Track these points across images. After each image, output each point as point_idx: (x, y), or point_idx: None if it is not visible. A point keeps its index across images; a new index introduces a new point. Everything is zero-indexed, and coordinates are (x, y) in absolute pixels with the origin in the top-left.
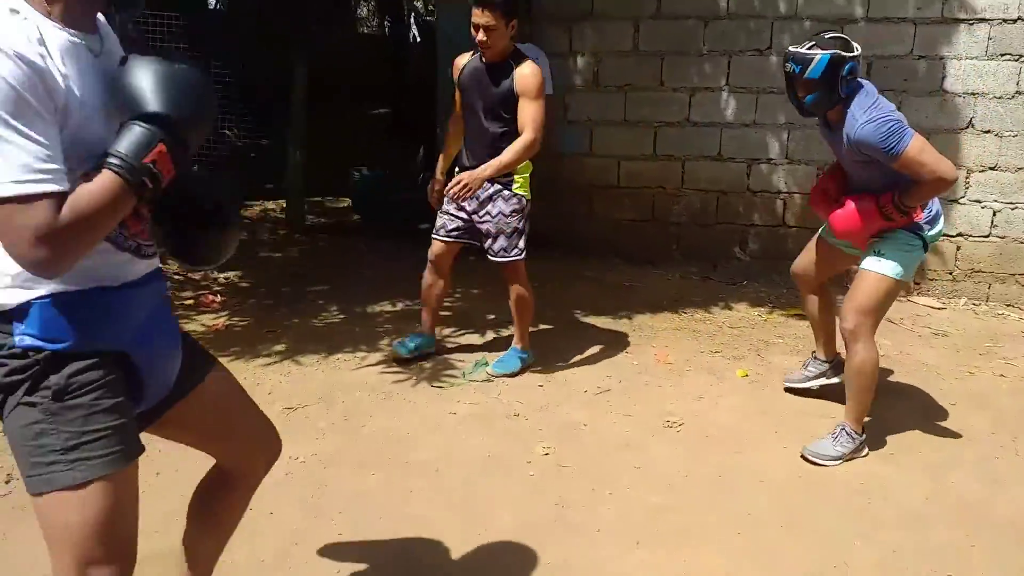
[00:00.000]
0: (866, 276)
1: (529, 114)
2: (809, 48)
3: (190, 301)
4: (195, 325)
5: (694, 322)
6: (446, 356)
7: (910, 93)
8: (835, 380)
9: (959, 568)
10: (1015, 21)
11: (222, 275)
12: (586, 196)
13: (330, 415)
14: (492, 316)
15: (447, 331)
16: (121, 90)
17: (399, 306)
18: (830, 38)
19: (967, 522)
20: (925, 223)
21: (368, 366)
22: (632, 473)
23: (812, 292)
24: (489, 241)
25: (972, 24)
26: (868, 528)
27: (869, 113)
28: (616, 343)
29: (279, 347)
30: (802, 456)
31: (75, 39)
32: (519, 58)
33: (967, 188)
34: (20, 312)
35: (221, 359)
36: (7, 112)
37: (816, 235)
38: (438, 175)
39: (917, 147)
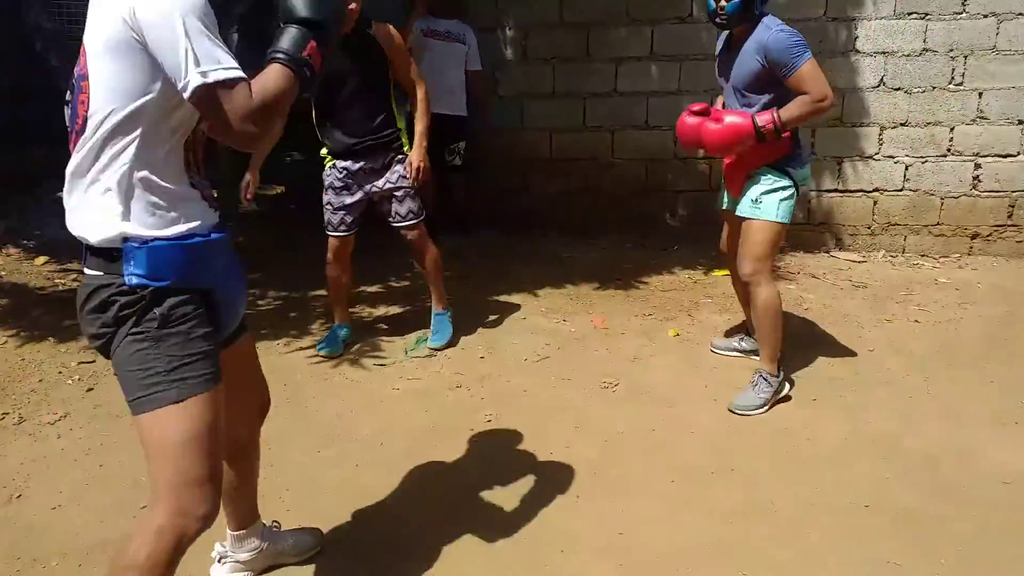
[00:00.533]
0: (750, 225)
1: (413, 68)
2: None
3: None
4: None
5: (628, 288)
6: (384, 337)
7: (824, 54)
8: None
9: (876, 497)
10: None
11: None
12: (519, 170)
13: (273, 398)
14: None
15: (382, 310)
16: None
17: None
18: None
19: (882, 456)
20: (793, 159)
21: (305, 349)
22: (571, 433)
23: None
24: (395, 206)
25: None
26: (793, 468)
27: (782, 26)
28: (554, 312)
29: None
30: (730, 410)
31: None
32: (364, 22)
33: (881, 144)
34: (129, 254)
35: None
36: (207, 20)
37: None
38: (253, 174)
39: (813, 64)
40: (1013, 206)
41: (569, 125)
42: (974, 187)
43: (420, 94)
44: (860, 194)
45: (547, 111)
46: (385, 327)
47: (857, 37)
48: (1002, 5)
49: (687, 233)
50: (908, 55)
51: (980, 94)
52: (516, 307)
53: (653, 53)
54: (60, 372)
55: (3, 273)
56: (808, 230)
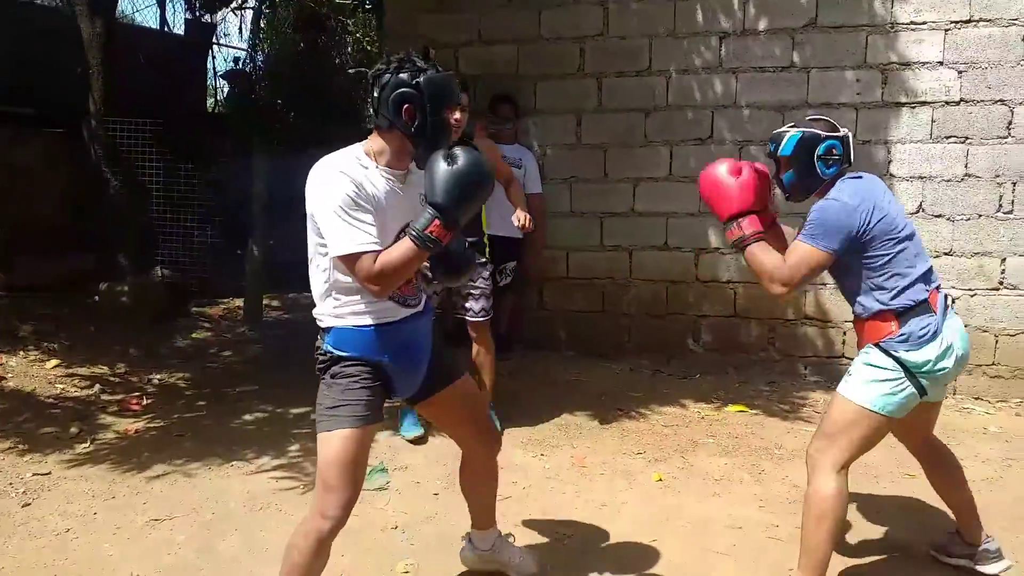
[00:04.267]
0: (834, 397)
1: (507, 169)
2: (787, 127)
3: (115, 405)
4: (108, 433)
5: (626, 420)
6: None
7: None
8: (981, 569)
9: None
10: (958, 103)
11: (157, 376)
12: (536, 287)
13: (191, 528)
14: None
15: None
16: (425, 180)
17: None
18: (810, 119)
19: None
20: (899, 342)
21: (264, 472)
22: None
23: (920, 455)
24: (471, 303)
25: (915, 107)
26: None
27: (838, 197)
28: (536, 444)
29: (179, 453)
30: None
31: (389, 177)
32: (468, 136)
33: None
34: (327, 330)
35: (117, 468)
36: (346, 207)
37: None
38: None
39: (814, 254)
40: None
41: (586, 244)
42: None
43: (516, 184)
44: None
45: (564, 229)
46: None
47: (892, 160)
48: None
49: (711, 360)
50: (948, 180)
51: None
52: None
53: (672, 174)
54: (11, 483)
55: (10, 375)
56: (845, 365)
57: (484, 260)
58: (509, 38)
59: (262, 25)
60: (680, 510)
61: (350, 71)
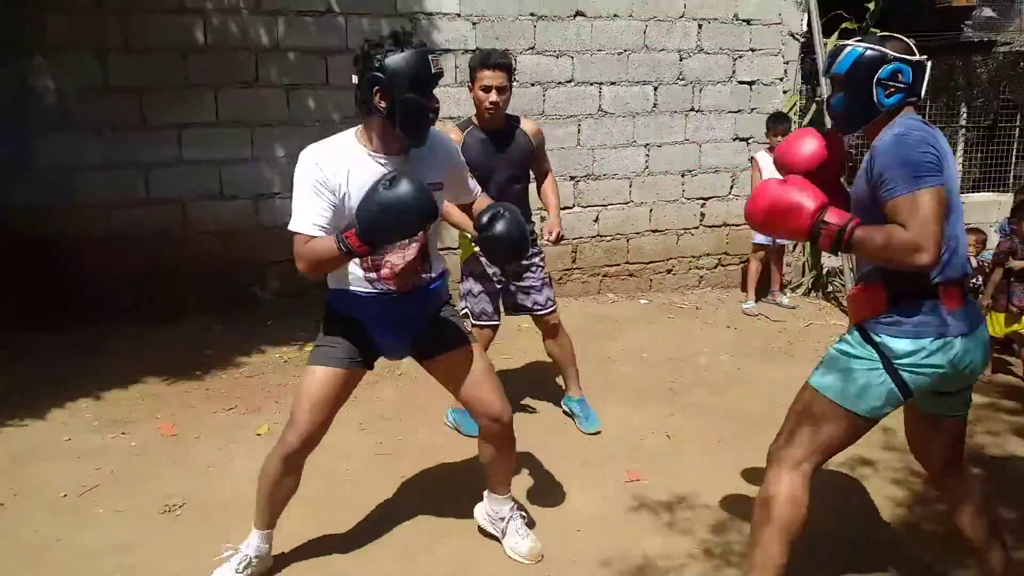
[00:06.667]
0: (802, 387)
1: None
2: (852, 41)
3: None
4: None
5: (209, 379)
6: None
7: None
8: None
9: None
10: (475, 52)
11: None
12: (73, 252)
13: None
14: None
15: None
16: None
17: None
18: (881, 36)
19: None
20: (882, 324)
21: None
22: None
23: (942, 484)
24: (534, 296)
25: (443, 55)
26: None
27: (914, 129)
28: (113, 424)
29: None
30: None
31: (381, 160)
32: (514, 119)
33: None
34: (329, 292)
35: None
36: (304, 190)
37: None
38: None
39: (929, 198)
40: (576, 251)
41: (130, 198)
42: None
43: (553, 178)
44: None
45: (100, 184)
46: None
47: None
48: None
49: (282, 306)
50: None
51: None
52: (60, 425)
53: (220, 119)
54: None
55: None
56: None
57: (537, 250)
58: None
59: None
60: None
61: None
